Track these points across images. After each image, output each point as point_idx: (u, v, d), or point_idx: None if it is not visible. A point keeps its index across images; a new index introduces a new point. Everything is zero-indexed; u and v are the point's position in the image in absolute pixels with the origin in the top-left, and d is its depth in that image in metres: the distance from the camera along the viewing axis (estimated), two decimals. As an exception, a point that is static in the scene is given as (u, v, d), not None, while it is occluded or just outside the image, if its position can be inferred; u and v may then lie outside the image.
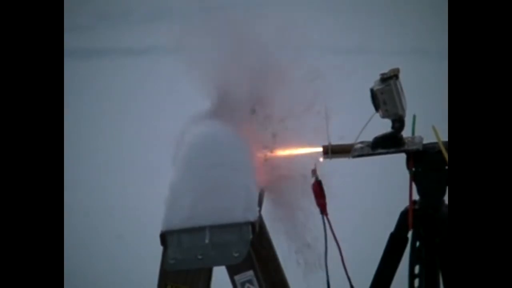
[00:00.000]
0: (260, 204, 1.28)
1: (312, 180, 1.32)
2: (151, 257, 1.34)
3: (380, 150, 1.36)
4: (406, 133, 1.37)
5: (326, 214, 1.32)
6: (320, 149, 1.38)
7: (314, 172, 1.33)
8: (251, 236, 1.20)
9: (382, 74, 1.33)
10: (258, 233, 1.26)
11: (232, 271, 1.25)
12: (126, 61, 3.92)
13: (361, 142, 1.38)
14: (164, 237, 1.21)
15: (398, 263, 1.39)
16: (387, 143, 1.36)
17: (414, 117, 1.36)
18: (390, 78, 1.32)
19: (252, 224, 1.20)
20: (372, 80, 1.35)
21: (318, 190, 1.32)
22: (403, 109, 1.33)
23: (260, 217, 1.29)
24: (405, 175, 1.38)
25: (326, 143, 1.37)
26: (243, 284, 1.24)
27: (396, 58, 3.98)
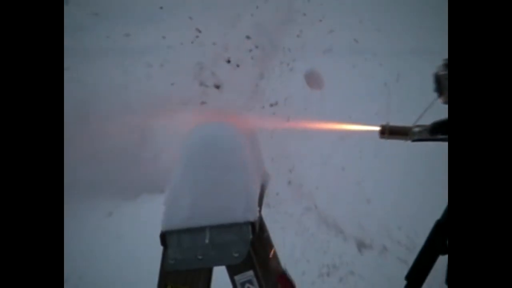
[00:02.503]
0: (260, 204, 1.28)
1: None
2: (151, 258, 1.34)
3: (439, 136, 1.33)
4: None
5: None
6: (378, 128, 1.37)
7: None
8: (251, 236, 1.20)
9: (446, 60, 1.29)
10: (258, 233, 1.26)
11: (232, 271, 1.25)
12: (126, 61, 3.90)
13: (418, 126, 1.35)
14: (164, 237, 1.21)
15: (439, 251, 1.36)
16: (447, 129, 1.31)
17: None
18: None
19: (252, 224, 1.20)
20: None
21: (285, 282, 1.33)
22: None
23: (260, 217, 1.29)
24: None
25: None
26: (243, 284, 1.24)
27: (396, 58, 3.98)
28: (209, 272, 1.28)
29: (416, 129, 1.35)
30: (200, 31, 3.50)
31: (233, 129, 1.31)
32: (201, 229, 1.20)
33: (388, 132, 1.36)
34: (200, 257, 1.21)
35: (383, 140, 1.37)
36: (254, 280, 1.24)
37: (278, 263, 1.46)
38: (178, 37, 3.82)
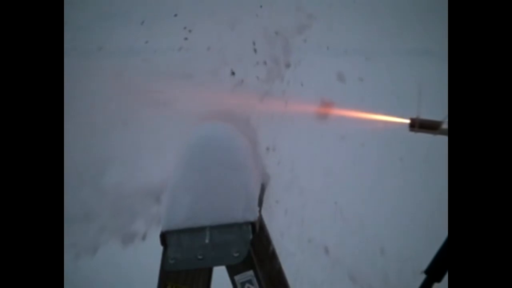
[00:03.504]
0: (260, 204, 1.28)
1: None
2: (151, 257, 1.33)
3: None
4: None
5: None
6: (407, 121, 1.37)
7: None
8: (251, 236, 1.20)
9: None
10: (258, 233, 1.26)
11: (232, 271, 1.25)
12: (126, 61, 3.86)
13: None
14: (164, 237, 1.21)
15: None
16: None
17: None
18: None
19: (252, 224, 1.20)
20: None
21: None
22: None
23: (260, 217, 1.29)
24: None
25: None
26: (243, 284, 1.25)
27: (396, 59, 3.97)
28: (209, 272, 1.28)
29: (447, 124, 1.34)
30: (190, 31, 3.29)
31: (232, 129, 1.31)
32: (201, 229, 1.20)
33: (418, 125, 1.35)
34: (200, 257, 1.21)
35: (377, 175, 1.37)
36: (254, 280, 1.24)
37: (278, 262, 1.46)
38: (164, 39, 3.63)
